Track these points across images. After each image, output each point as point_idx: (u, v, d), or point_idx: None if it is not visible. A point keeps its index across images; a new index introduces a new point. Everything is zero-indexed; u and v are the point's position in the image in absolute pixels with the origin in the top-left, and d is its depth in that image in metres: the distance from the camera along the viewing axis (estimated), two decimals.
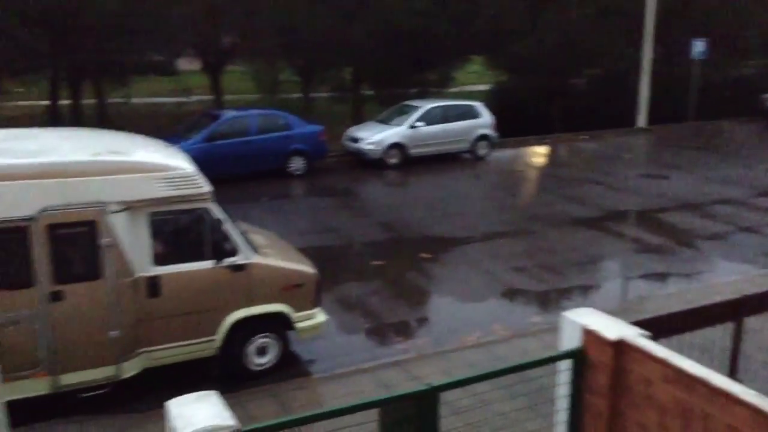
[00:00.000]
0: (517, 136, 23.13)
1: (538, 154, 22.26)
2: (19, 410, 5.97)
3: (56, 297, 6.23)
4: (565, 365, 4.78)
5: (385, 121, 19.91)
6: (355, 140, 19.17)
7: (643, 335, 4.43)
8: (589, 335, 4.55)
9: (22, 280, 6.10)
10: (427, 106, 19.90)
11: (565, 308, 8.46)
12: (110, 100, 23.66)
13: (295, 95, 25.54)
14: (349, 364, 7.91)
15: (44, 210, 6.09)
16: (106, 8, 18.27)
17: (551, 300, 10.14)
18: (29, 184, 6.04)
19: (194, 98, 27.65)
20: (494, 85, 29.57)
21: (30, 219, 6.05)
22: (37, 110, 23.70)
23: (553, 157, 21.99)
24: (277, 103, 22.49)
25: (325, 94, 26.15)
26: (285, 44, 22.27)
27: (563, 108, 26.24)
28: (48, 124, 19.71)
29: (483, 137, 20.27)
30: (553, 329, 8.11)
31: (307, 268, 7.82)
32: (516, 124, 23.31)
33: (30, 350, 6.21)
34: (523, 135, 23.72)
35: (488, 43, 25.78)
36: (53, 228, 6.14)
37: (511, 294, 10.36)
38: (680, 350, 4.56)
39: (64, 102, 22.68)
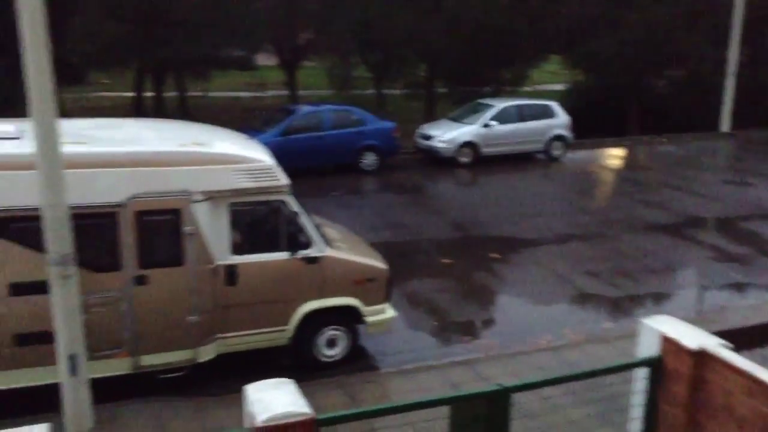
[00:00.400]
0: (593, 137, 22.63)
1: (615, 156, 21.71)
2: (100, 389, 6.29)
3: (141, 281, 6.51)
4: (642, 373, 4.69)
5: (458, 119, 19.82)
6: (427, 138, 19.17)
7: (725, 346, 4.30)
8: (668, 343, 4.45)
9: (110, 263, 6.40)
10: (501, 104, 19.70)
11: (638, 315, 8.25)
12: (190, 93, 24.45)
13: (368, 91, 25.75)
14: (416, 360, 7.94)
15: (133, 197, 6.36)
16: (190, 5, 18.88)
17: (624, 306, 9.91)
18: (121, 171, 6.32)
19: (269, 93, 28.26)
20: (571, 85, 29.01)
21: (119, 205, 6.34)
22: (121, 101, 24.72)
23: (630, 160, 21.41)
24: (349, 99, 22.73)
25: (397, 91, 26.26)
26: (360, 41, 22.50)
27: (642, 109, 25.49)
28: (132, 115, 20.52)
29: (558, 138, 19.92)
30: (626, 336, 7.96)
31: (378, 263, 7.89)
32: (592, 124, 22.81)
33: (114, 331, 6.50)
34: (600, 136, 23.20)
35: (566, 42, 25.32)
36: (141, 215, 6.41)
37: (583, 298, 10.17)
38: (761, 364, 4.40)
39: (147, 94, 23.58)
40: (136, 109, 22.82)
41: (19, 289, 6.11)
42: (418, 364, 7.75)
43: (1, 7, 14.82)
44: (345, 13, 21.83)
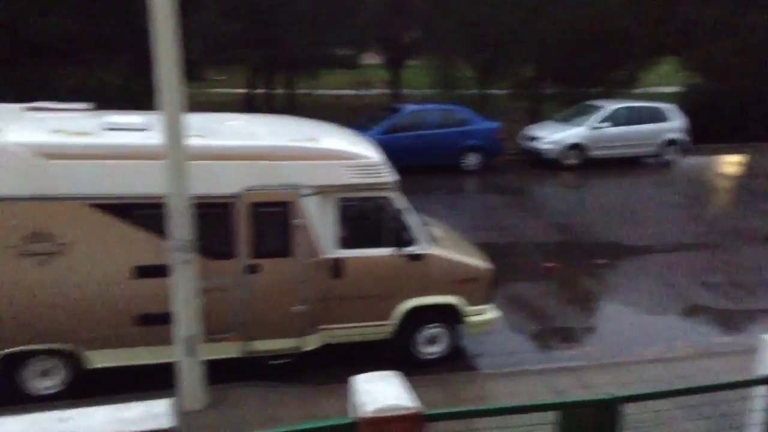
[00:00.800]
0: (709, 143, 21.53)
1: (734, 162, 20.55)
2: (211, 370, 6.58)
3: (253, 269, 6.77)
4: (762, 391, 4.44)
5: (565, 121, 19.38)
6: (533, 139, 18.85)
7: None
8: None
9: (226, 251, 6.69)
10: (612, 106, 19.10)
11: (754, 330, 7.80)
12: (298, 91, 25.11)
13: (472, 91, 25.54)
14: (515, 363, 7.85)
15: (248, 189, 6.63)
16: (301, 5, 19.39)
17: (740, 320, 9.38)
18: (237, 164, 6.60)
19: (373, 91, 28.57)
20: (686, 88, 27.67)
21: (235, 196, 6.62)
22: (233, 97, 25.70)
23: (750, 167, 20.19)
24: (453, 98, 22.62)
25: (502, 91, 25.89)
26: (467, 40, 22.36)
27: (765, 115, 23.97)
28: (244, 111, 21.29)
29: (672, 142, 19.10)
30: (742, 351, 7.54)
31: (482, 263, 7.84)
32: (709, 129, 21.69)
33: (227, 316, 6.80)
34: (717, 142, 22.04)
35: (683, 43, 24.16)
36: (254, 206, 6.67)
37: (695, 310, 9.70)
38: None
39: (258, 91, 24.40)
40: (248, 105, 23.67)
41: (142, 272, 6.50)
42: (520, 367, 7.65)
43: (124, 6, 15.77)
44: (452, 12, 21.77)
